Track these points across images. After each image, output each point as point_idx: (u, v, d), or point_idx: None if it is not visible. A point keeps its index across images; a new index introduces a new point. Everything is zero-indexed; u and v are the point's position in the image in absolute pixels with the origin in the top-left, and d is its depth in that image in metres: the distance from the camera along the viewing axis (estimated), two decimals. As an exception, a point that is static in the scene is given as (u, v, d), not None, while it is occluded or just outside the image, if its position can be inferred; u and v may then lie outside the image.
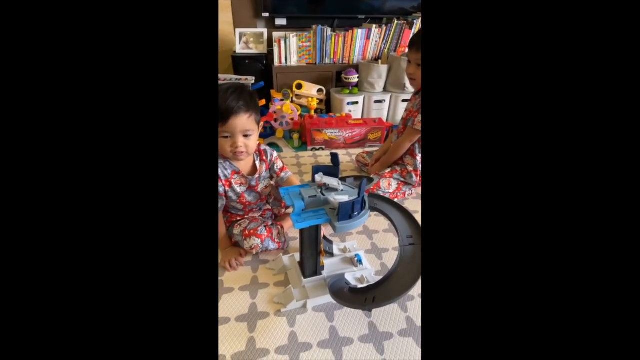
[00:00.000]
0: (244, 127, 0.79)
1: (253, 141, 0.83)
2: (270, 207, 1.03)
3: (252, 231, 0.88)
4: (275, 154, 0.95)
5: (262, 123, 0.91)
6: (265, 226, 0.90)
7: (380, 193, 1.09)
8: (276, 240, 0.91)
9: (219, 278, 0.85)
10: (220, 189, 0.87)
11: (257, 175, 0.91)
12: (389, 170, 1.19)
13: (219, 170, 0.86)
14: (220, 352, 0.66)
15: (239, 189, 0.90)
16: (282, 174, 0.94)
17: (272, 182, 0.97)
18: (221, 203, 0.89)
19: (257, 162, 0.91)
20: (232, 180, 0.88)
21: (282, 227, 0.95)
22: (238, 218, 0.96)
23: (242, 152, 0.81)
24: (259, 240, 0.87)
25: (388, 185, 1.15)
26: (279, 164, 0.95)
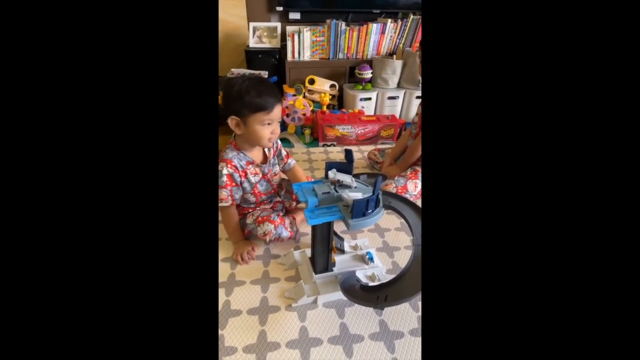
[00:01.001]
0: (280, 115, 0.86)
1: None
2: (281, 200, 1.05)
3: (265, 217, 0.90)
4: (278, 140, 1.01)
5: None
6: (277, 215, 0.93)
7: (407, 196, 1.08)
8: (289, 229, 0.92)
9: (232, 271, 0.86)
10: (237, 180, 0.89)
11: (268, 163, 0.95)
12: (410, 171, 1.18)
13: (235, 162, 0.88)
14: (231, 344, 0.67)
15: (253, 179, 0.92)
16: (288, 161, 1.02)
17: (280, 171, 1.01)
18: (239, 194, 0.91)
19: (266, 150, 0.95)
20: (247, 171, 0.91)
21: (294, 219, 0.97)
22: (249, 210, 0.97)
23: (276, 137, 0.89)
24: (272, 226, 0.89)
25: (414, 188, 1.15)
26: (283, 151, 1.02)
